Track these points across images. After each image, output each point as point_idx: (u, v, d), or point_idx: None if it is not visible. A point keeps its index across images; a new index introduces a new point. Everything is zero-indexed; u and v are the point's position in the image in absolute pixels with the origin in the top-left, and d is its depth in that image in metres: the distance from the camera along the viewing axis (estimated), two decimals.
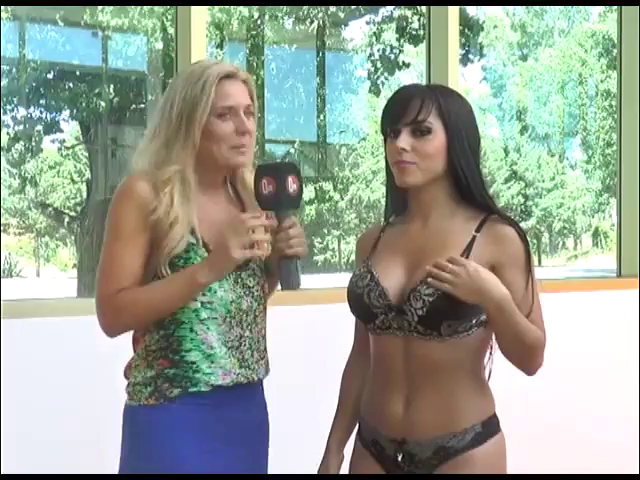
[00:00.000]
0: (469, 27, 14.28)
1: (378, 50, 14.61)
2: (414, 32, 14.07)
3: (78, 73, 12.82)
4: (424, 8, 4.37)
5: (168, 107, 2.16)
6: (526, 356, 2.06)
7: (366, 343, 2.22)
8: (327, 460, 2.26)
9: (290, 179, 2.10)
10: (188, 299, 2.10)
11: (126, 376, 2.25)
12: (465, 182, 2.11)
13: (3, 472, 2.97)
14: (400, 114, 2.08)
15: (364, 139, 17.02)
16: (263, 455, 2.32)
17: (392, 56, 14.48)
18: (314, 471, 2.30)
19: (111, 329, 2.19)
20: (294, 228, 2.13)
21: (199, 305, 2.14)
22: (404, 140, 2.06)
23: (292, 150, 15.12)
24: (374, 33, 14.80)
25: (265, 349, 2.30)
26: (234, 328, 2.18)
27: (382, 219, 2.30)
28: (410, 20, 14.19)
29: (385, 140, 2.15)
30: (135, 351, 2.25)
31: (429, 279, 1.98)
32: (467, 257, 2.05)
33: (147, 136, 2.21)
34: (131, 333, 2.25)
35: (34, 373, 3.13)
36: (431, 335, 2.04)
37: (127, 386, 2.24)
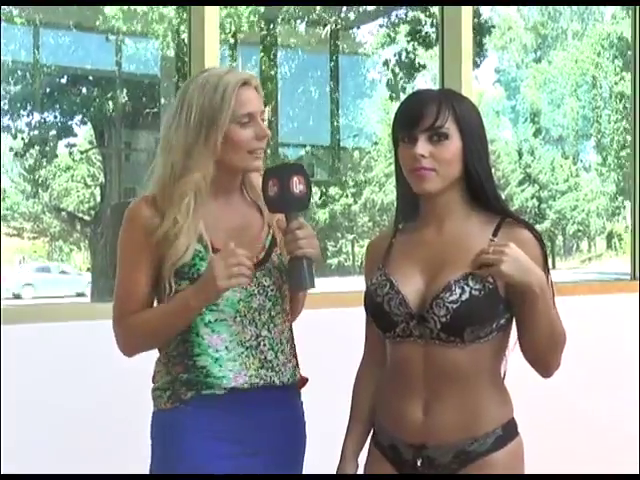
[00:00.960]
0: (482, 30, 14.26)
1: (395, 55, 14.61)
2: (426, 35, 14.07)
3: (91, 78, 12.86)
4: (437, 10, 4.37)
5: (184, 117, 2.16)
6: (552, 350, 2.05)
7: (378, 348, 2.21)
8: (343, 468, 2.25)
9: (295, 179, 2.09)
10: (187, 321, 2.12)
11: (154, 382, 2.27)
12: (480, 186, 2.10)
13: (3, 472, 2.99)
14: (417, 120, 2.06)
15: (376, 143, 17.02)
16: (287, 463, 2.27)
17: (406, 59, 14.49)
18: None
19: (127, 350, 2.23)
20: (302, 229, 2.12)
21: (204, 309, 2.14)
22: (422, 147, 2.04)
23: (303, 153, 15.12)
24: (388, 35, 14.80)
25: (292, 354, 2.28)
26: (247, 327, 2.17)
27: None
28: (423, 22, 14.19)
29: (395, 145, 2.13)
30: (158, 357, 2.25)
31: (476, 271, 1.97)
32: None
33: (162, 149, 2.20)
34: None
35: (46, 377, 3.14)
36: (454, 342, 2.03)
37: (151, 392, 2.25)
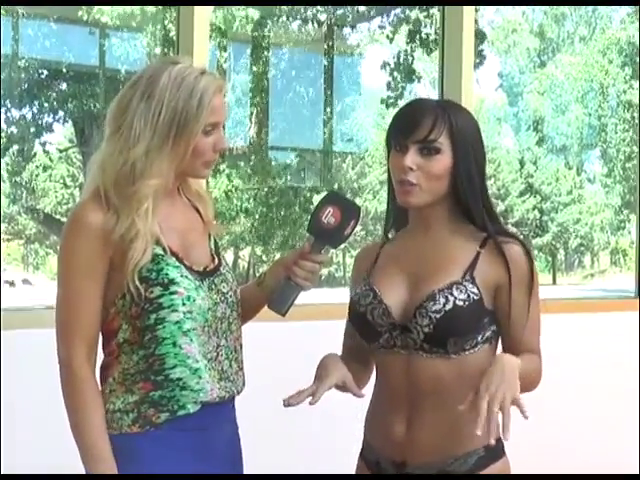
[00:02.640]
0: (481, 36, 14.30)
1: (393, 57, 14.64)
2: (426, 37, 14.10)
3: (73, 73, 12.86)
4: (438, 12, 4.40)
5: (152, 112, 2.10)
6: (529, 388, 2.11)
7: (354, 355, 2.23)
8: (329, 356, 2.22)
9: (352, 223, 2.13)
10: (82, 458, 2.08)
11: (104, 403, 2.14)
12: (466, 205, 2.13)
13: (3, 472, 3.00)
14: (410, 131, 2.09)
15: (366, 151, 17.06)
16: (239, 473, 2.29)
17: (404, 62, 14.52)
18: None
19: (63, 359, 2.10)
20: (320, 265, 2.15)
21: (182, 316, 2.09)
22: (411, 158, 2.08)
23: (293, 158, 15.13)
24: (386, 36, 14.83)
25: (242, 360, 2.25)
26: (212, 338, 2.15)
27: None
28: (422, 24, 14.23)
29: (389, 152, 2.17)
30: (105, 378, 2.15)
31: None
32: (472, 273, 2.08)
33: (121, 139, 2.11)
34: (99, 358, 2.17)
35: (32, 385, 3.16)
36: (437, 353, 2.06)
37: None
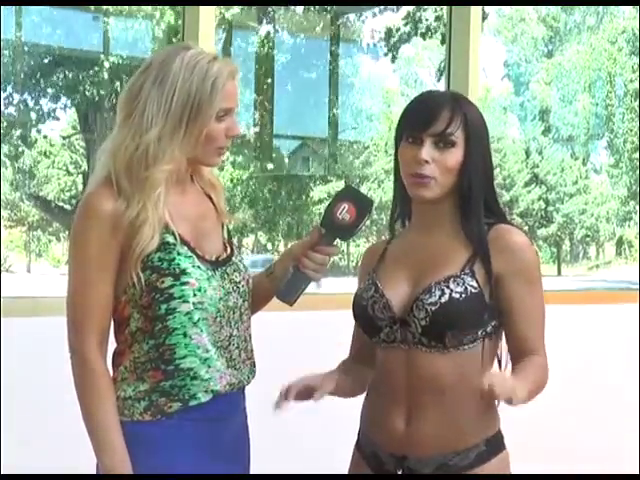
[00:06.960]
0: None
1: (395, 44, 14.62)
2: (428, 24, 14.10)
3: (76, 58, 12.85)
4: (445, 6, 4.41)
5: (166, 96, 2.10)
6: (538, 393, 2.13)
7: (362, 353, 2.25)
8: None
9: (365, 218, 2.14)
10: (95, 449, 2.09)
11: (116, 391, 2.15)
12: (469, 198, 2.14)
13: (3, 472, 3.01)
14: (428, 124, 2.09)
15: (372, 139, 17.02)
16: (247, 467, 2.31)
17: (407, 47, 14.51)
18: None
19: (74, 347, 2.10)
20: (330, 258, 2.16)
21: (192, 307, 2.11)
22: (427, 151, 2.08)
23: (297, 146, 15.12)
24: (389, 28, 14.82)
25: (252, 350, 2.27)
26: (224, 327, 2.17)
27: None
28: (424, 9, 14.22)
29: (397, 143, 2.17)
30: (117, 365, 2.17)
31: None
32: (471, 267, 2.10)
33: (131, 130, 2.12)
34: (113, 346, 2.18)
35: (33, 374, 3.17)
36: (435, 347, 2.08)
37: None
